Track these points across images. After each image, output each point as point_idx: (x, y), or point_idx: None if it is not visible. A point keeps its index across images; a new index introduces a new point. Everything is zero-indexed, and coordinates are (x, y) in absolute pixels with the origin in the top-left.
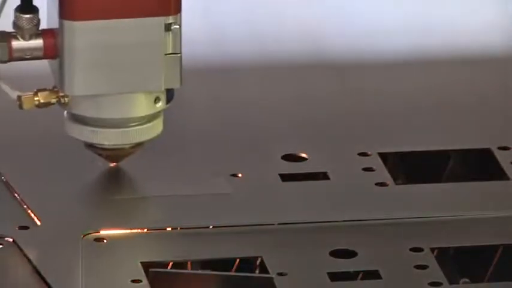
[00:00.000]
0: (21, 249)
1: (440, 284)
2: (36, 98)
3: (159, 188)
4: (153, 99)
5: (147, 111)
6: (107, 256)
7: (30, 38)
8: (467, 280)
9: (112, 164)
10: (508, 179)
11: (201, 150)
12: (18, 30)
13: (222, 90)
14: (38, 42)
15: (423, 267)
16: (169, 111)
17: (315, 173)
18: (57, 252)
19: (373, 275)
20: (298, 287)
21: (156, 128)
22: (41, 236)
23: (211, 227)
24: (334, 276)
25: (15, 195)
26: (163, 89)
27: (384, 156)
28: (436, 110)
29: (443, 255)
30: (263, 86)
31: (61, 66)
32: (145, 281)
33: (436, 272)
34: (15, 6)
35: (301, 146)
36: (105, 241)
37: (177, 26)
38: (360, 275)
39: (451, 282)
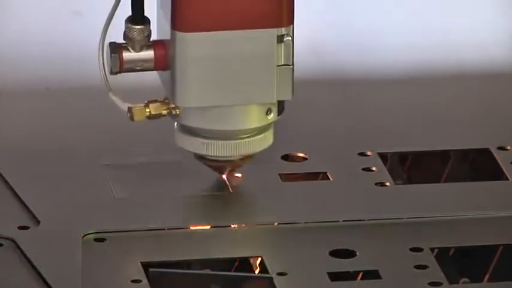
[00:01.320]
0: (21, 249)
1: (440, 284)
2: (147, 110)
3: (159, 188)
4: (265, 111)
5: (258, 123)
6: (107, 256)
7: (141, 50)
8: (467, 280)
9: (222, 177)
10: (507, 179)
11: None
12: (129, 42)
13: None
14: (149, 53)
15: (423, 267)
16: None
17: (315, 173)
18: (57, 252)
19: (373, 275)
20: (298, 287)
21: (267, 139)
22: (41, 236)
23: (211, 227)
24: (334, 276)
25: (15, 195)
26: (275, 100)
27: (384, 156)
28: (436, 110)
29: (443, 255)
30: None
31: (173, 78)
32: (145, 281)
33: (436, 272)
34: (125, 18)
35: (301, 146)
36: (105, 241)
37: (289, 38)
38: (360, 275)
39: (451, 282)
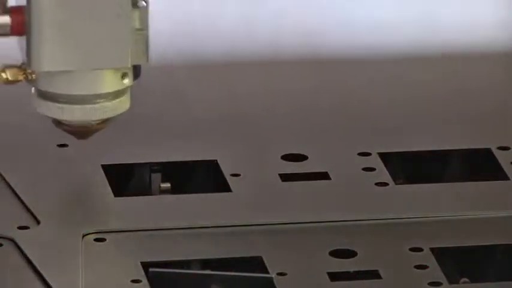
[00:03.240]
0: (21, 249)
1: (440, 284)
2: (3, 75)
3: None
4: (120, 76)
5: (113, 88)
6: (107, 256)
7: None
8: (467, 280)
9: (80, 139)
10: (507, 179)
11: (200, 149)
12: None
13: (222, 90)
14: (5, 18)
15: (423, 267)
16: (169, 109)
17: (315, 173)
18: (57, 252)
19: (373, 275)
20: (298, 287)
21: (123, 104)
22: (41, 236)
23: (211, 227)
24: (334, 276)
25: (15, 195)
26: (130, 65)
27: (384, 156)
28: (436, 110)
29: (443, 255)
30: (264, 86)
31: (28, 43)
32: (145, 281)
33: (436, 272)
34: None
35: (301, 146)
36: (105, 241)
37: (144, 3)
38: (360, 275)
39: (451, 282)
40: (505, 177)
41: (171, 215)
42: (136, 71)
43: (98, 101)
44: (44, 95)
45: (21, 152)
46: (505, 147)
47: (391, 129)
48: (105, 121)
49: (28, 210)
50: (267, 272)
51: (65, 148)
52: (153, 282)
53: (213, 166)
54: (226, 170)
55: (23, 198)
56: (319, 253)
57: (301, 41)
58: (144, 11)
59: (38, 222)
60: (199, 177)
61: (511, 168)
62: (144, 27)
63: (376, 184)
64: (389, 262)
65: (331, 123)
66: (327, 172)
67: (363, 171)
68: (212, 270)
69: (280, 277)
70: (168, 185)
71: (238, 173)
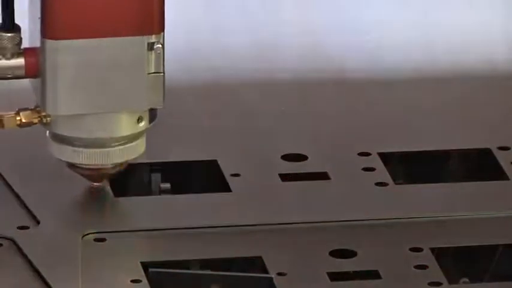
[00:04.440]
0: (21, 249)
1: (440, 284)
2: (18, 118)
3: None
4: (136, 119)
5: (129, 131)
6: (107, 256)
7: (12, 57)
8: (467, 280)
9: (95, 184)
10: (507, 179)
11: (200, 149)
12: (0, 49)
13: (222, 89)
14: (20, 61)
15: (423, 267)
16: (168, 109)
17: (315, 173)
18: (57, 252)
19: (373, 275)
20: (298, 287)
21: (138, 147)
22: (41, 236)
23: (211, 227)
24: (334, 276)
25: (15, 195)
26: (146, 108)
27: (384, 156)
28: (436, 109)
29: (443, 255)
30: (263, 86)
31: (43, 86)
32: (145, 281)
33: (436, 272)
34: None
35: (301, 146)
36: (105, 241)
37: (160, 45)
38: (360, 275)
39: (451, 282)
40: (505, 177)
41: (171, 215)
42: (152, 114)
43: (114, 144)
44: (59, 139)
45: (21, 152)
46: (505, 147)
47: (391, 129)
48: (121, 164)
49: (28, 210)
50: (267, 272)
51: None
52: (153, 282)
53: (213, 166)
54: (226, 170)
55: (23, 198)
56: (319, 253)
57: (302, 45)
58: (160, 54)
59: (38, 222)
60: (199, 177)
61: (511, 168)
62: (159, 70)
63: (376, 184)
64: (389, 262)
65: (332, 123)
66: (326, 172)
67: (362, 171)
68: (212, 270)
69: (280, 277)
70: (168, 185)
71: (238, 173)
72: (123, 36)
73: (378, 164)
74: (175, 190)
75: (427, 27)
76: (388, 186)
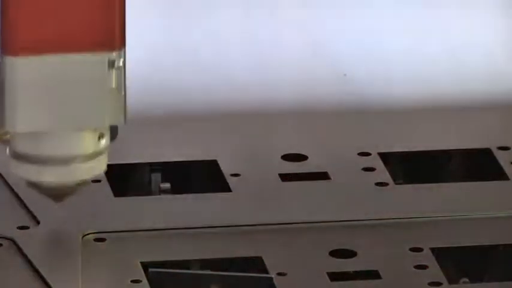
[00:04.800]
0: (21, 249)
1: (440, 284)
2: None
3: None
4: (97, 136)
5: (91, 149)
6: (107, 256)
7: None
8: (467, 280)
9: (57, 202)
10: (507, 179)
11: (200, 149)
12: None
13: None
14: None
15: (423, 267)
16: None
17: (315, 173)
18: (57, 252)
19: (373, 275)
20: (298, 287)
21: (101, 165)
22: (41, 236)
23: (211, 227)
24: (334, 276)
25: (15, 195)
26: (107, 125)
27: (384, 156)
28: (436, 109)
29: (443, 255)
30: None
31: (2, 102)
32: (145, 281)
33: (436, 272)
34: None
35: (301, 146)
36: (105, 241)
37: (121, 63)
38: (360, 275)
39: (451, 282)
40: (505, 177)
41: (171, 215)
42: (113, 132)
43: (76, 161)
44: (20, 157)
45: None
46: (505, 147)
47: (391, 129)
48: (81, 183)
49: (28, 210)
50: (267, 272)
51: None
52: (153, 282)
53: (213, 166)
54: (226, 170)
55: (23, 198)
56: (319, 253)
57: (302, 43)
58: (120, 71)
59: (38, 222)
60: (199, 177)
61: (511, 168)
62: (120, 87)
63: (376, 184)
64: (389, 262)
65: (332, 123)
66: (326, 172)
67: (362, 171)
68: (212, 270)
69: (280, 277)
70: (168, 185)
71: (238, 173)
72: (84, 52)
73: (378, 164)
74: (175, 190)
75: (423, 31)
76: (388, 186)
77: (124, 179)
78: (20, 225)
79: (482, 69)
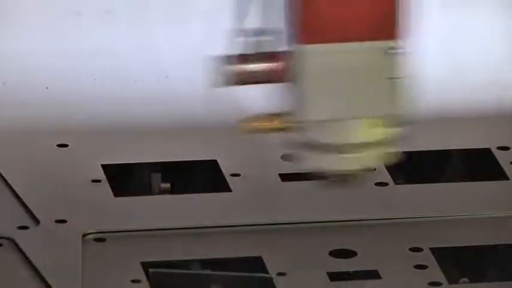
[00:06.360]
0: (21, 249)
1: (440, 284)
2: (272, 123)
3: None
4: (381, 124)
5: (378, 136)
6: (107, 256)
7: (258, 61)
8: (467, 280)
9: (340, 188)
10: (507, 179)
11: (200, 149)
12: (245, 54)
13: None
14: (265, 65)
15: (423, 267)
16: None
17: (315, 173)
18: (57, 252)
19: (373, 275)
20: (298, 287)
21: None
22: (41, 236)
23: (211, 227)
24: (334, 276)
25: (15, 195)
26: (393, 113)
27: None
28: (436, 109)
29: (443, 255)
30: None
31: (295, 91)
32: (145, 281)
33: (436, 272)
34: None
35: None
36: (105, 241)
37: (403, 50)
38: (360, 275)
39: (451, 282)
40: (505, 177)
41: (171, 215)
42: (401, 120)
43: (363, 149)
44: (315, 147)
45: (21, 152)
46: (505, 147)
47: None
48: (369, 169)
49: (28, 210)
50: (267, 272)
51: (65, 148)
52: (153, 282)
53: (213, 166)
54: (226, 170)
55: (23, 198)
56: (319, 253)
57: None
58: (395, 59)
59: (38, 222)
60: (199, 177)
61: (511, 168)
62: (397, 75)
63: (376, 184)
64: (389, 262)
65: None
66: None
67: None
68: (212, 270)
69: (280, 277)
70: (168, 185)
71: (238, 173)
72: (364, 40)
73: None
74: (175, 190)
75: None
76: (388, 186)
77: (124, 179)
78: (20, 225)
79: (483, 69)
